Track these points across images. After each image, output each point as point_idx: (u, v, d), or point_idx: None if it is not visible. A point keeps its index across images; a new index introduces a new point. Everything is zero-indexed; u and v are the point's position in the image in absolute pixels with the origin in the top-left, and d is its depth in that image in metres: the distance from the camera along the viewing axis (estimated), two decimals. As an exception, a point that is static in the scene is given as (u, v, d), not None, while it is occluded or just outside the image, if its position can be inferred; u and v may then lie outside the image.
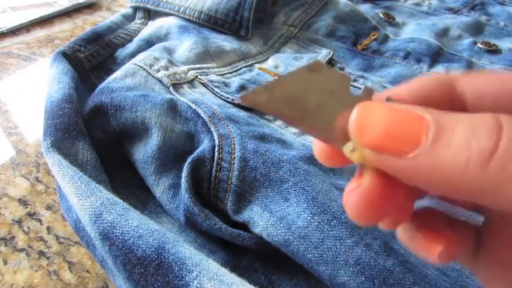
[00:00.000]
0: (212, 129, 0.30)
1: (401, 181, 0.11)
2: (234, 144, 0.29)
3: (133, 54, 0.42)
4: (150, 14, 0.50)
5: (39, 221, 0.33)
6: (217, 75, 0.41)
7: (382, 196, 0.12)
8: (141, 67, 0.36)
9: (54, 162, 0.26)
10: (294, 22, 0.52)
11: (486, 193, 0.10)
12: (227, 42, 0.45)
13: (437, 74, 0.14)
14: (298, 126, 0.12)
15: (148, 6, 0.48)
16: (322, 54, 0.48)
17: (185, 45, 0.42)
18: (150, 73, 0.36)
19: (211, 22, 0.46)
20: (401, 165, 0.11)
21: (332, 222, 0.24)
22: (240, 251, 0.27)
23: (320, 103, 0.12)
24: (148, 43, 0.44)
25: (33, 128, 0.42)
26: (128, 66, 0.36)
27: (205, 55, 0.42)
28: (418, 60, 0.46)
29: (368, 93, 0.13)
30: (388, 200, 0.12)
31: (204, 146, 0.29)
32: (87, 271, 0.29)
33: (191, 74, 0.39)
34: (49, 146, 0.27)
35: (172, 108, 0.32)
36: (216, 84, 0.39)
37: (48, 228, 0.32)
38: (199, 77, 0.39)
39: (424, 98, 0.13)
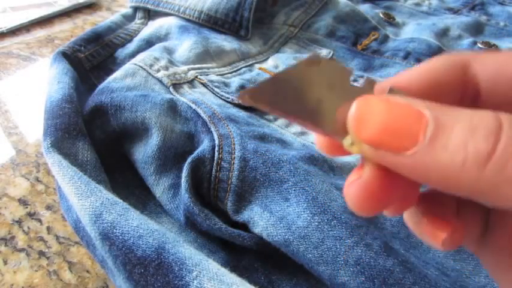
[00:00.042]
0: (212, 129, 0.30)
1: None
2: (234, 144, 0.29)
3: (133, 54, 0.42)
4: (150, 14, 0.50)
5: (39, 221, 0.33)
6: (217, 75, 0.41)
7: (383, 188, 0.12)
8: (141, 67, 0.36)
9: (54, 162, 0.26)
10: (294, 22, 0.52)
11: (483, 193, 0.10)
12: (227, 42, 0.45)
13: (450, 53, 0.14)
14: (298, 122, 0.12)
15: (148, 6, 0.48)
16: (322, 54, 0.48)
17: (185, 45, 0.42)
18: (150, 73, 0.36)
19: (211, 22, 0.46)
20: (399, 162, 0.11)
21: (332, 222, 0.24)
22: (240, 251, 0.27)
23: (319, 97, 0.12)
24: (148, 43, 0.44)
25: (33, 128, 0.42)
26: (127, 66, 0.36)
27: (205, 55, 0.42)
28: (418, 60, 0.46)
29: (370, 85, 0.13)
30: (389, 192, 0.12)
31: (204, 146, 0.29)
32: (87, 271, 0.29)
33: (191, 74, 0.39)
34: (49, 146, 0.27)
35: (172, 108, 0.32)
36: (216, 84, 0.39)
37: (48, 228, 0.32)
38: (199, 77, 0.39)
39: (433, 84, 0.13)
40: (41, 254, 0.30)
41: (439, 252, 0.25)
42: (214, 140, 0.29)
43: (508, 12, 0.57)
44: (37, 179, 0.36)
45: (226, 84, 0.39)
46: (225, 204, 0.27)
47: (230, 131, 0.30)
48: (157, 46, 0.41)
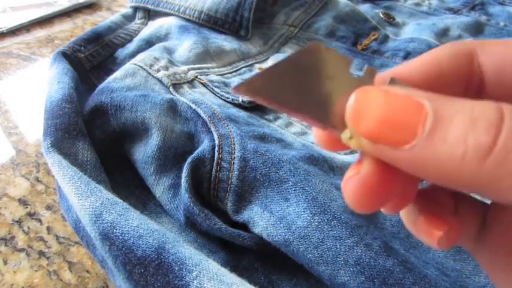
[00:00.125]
0: (212, 129, 0.30)
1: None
2: (234, 144, 0.29)
3: (133, 54, 0.42)
4: (150, 14, 0.50)
5: (39, 221, 0.33)
6: (217, 75, 0.41)
7: (381, 183, 0.11)
8: (141, 67, 0.36)
9: (54, 162, 0.26)
10: (294, 22, 0.52)
11: (483, 187, 0.10)
12: (227, 42, 0.45)
13: (455, 42, 0.14)
14: (295, 115, 0.12)
15: (148, 6, 0.48)
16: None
17: (185, 45, 0.42)
18: (150, 73, 0.36)
19: (211, 22, 0.46)
20: (397, 156, 0.10)
21: (332, 222, 0.24)
22: (240, 251, 0.27)
23: (318, 88, 0.12)
24: (148, 43, 0.44)
25: (33, 128, 0.42)
26: (127, 66, 0.36)
27: (205, 55, 0.42)
28: (418, 60, 0.46)
29: (370, 75, 0.12)
30: (388, 187, 0.12)
31: (204, 146, 0.29)
32: (87, 271, 0.29)
33: (191, 74, 0.39)
34: (49, 146, 0.27)
35: (172, 108, 0.32)
36: (216, 84, 0.39)
37: (48, 228, 0.32)
38: (199, 77, 0.39)
39: (437, 74, 0.13)
40: (41, 254, 0.30)
41: (439, 252, 0.25)
42: (214, 140, 0.29)
43: (508, 12, 0.57)
44: (37, 179, 0.36)
45: (226, 84, 0.39)
46: (225, 204, 0.27)
47: (230, 131, 0.30)
48: (157, 46, 0.41)
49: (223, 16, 0.46)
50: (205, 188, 0.28)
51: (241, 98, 0.36)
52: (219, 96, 0.37)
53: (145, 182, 0.30)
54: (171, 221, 0.29)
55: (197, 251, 0.22)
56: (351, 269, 0.22)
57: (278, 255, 0.25)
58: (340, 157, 0.33)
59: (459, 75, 0.13)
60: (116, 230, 0.22)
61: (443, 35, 0.52)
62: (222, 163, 0.28)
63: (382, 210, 0.13)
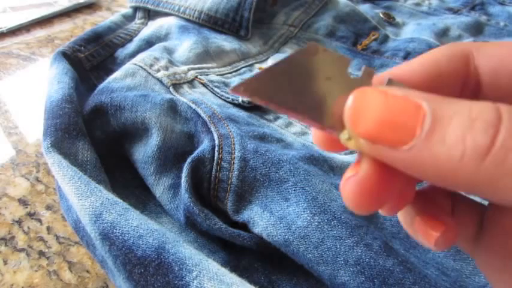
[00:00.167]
0: (212, 129, 0.30)
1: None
2: (234, 144, 0.29)
3: (133, 54, 0.42)
4: (150, 14, 0.50)
5: (39, 221, 0.33)
6: (217, 75, 0.41)
7: (380, 184, 0.11)
8: (141, 67, 0.36)
9: (54, 162, 0.26)
10: (294, 22, 0.52)
11: (481, 188, 0.10)
12: (227, 42, 0.45)
13: (453, 43, 0.14)
14: (294, 115, 0.12)
15: (148, 6, 0.48)
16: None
17: (185, 45, 0.42)
18: (150, 73, 0.36)
19: (211, 22, 0.46)
20: (396, 157, 0.10)
21: (332, 222, 0.24)
22: (240, 251, 0.27)
23: (317, 89, 0.12)
24: (148, 43, 0.44)
25: (33, 128, 0.42)
26: (127, 66, 0.36)
27: (205, 55, 0.42)
28: (418, 60, 0.46)
29: (368, 75, 0.12)
30: (386, 188, 0.12)
31: (204, 146, 0.29)
32: (87, 271, 0.29)
33: (191, 74, 0.39)
34: (49, 146, 0.27)
35: (172, 108, 0.32)
36: (216, 84, 0.39)
37: (48, 228, 0.32)
38: (199, 77, 0.39)
39: (434, 75, 0.13)
40: (41, 254, 0.30)
41: (439, 252, 0.25)
42: (214, 140, 0.29)
43: (508, 12, 0.57)
44: (37, 179, 0.36)
45: (226, 84, 0.39)
46: (225, 204, 0.27)
47: (230, 131, 0.30)
48: (157, 46, 0.41)
49: (223, 16, 0.46)
50: (205, 188, 0.28)
51: (241, 98, 0.36)
52: (219, 96, 0.37)
53: (145, 182, 0.30)
54: (171, 221, 0.29)
55: (197, 251, 0.22)
56: (351, 269, 0.22)
57: (278, 255, 0.25)
58: (340, 157, 0.33)
59: (456, 76, 0.13)
60: (116, 230, 0.22)
61: (443, 35, 0.52)
62: (222, 163, 0.28)
63: (380, 211, 0.13)
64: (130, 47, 0.44)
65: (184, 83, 0.37)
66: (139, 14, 0.49)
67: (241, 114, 0.35)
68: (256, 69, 0.44)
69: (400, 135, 0.10)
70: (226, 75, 0.41)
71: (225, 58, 0.43)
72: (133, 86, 0.34)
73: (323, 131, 0.12)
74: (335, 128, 0.12)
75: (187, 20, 0.46)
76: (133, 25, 0.48)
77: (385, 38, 0.51)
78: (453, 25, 0.54)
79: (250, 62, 0.45)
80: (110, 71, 0.38)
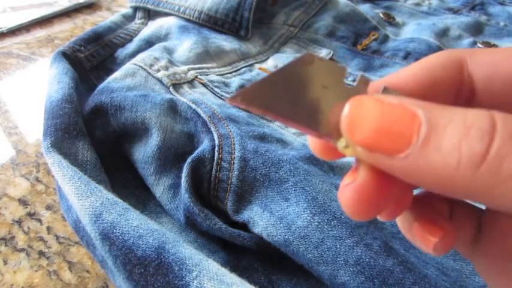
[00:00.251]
0: (212, 129, 0.30)
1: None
2: (234, 144, 0.29)
3: (133, 54, 0.42)
4: (150, 14, 0.50)
5: (39, 221, 0.33)
6: (217, 75, 0.41)
7: (378, 191, 0.12)
8: (141, 67, 0.36)
9: (54, 162, 0.26)
10: (294, 22, 0.52)
11: (477, 194, 0.10)
12: (227, 42, 0.45)
13: (447, 50, 0.14)
14: (291, 124, 0.12)
15: (148, 6, 0.48)
16: (322, 54, 0.48)
17: (185, 45, 0.42)
18: (150, 73, 0.36)
19: (211, 22, 0.46)
20: (393, 165, 0.11)
21: (332, 222, 0.24)
22: (240, 251, 0.27)
23: (313, 98, 0.12)
24: (148, 43, 0.44)
25: (33, 128, 0.42)
26: (127, 66, 0.36)
27: (205, 55, 0.42)
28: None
29: (364, 84, 0.13)
30: (384, 195, 0.12)
31: (204, 146, 0.29)
32: (87, 271, 0.29)
33: (191, 74, 0.39)
34: (49, 146, 0.27)
35: (172, 108, 0.32)
36: (216, 84, 0.39)
37: (48, 228, 0.32)
38: (199, 77, 0.39)
39: (429, 82, 0.13)
40: (41, 254, 0.30)
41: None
42: (214, 140, 0.29)
43: (508, 12, 0.57)
44: (37, 179, 0.36)
45: (226, 84, 0.39)
46: (225, 204, 0.27)
47: (230, 131, 0.30)
48: (157, 46, 0.41)
49: (223, 16, 0.46)
50: (205, 188, 0.28)
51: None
52: (219, 96, 0.37)
53: (145, 182, 0.30)
54: (171, 221, 0.29)
55: (197, 251, 0.22)
56: (351, 269, 0.22)
57: (278, 255, 0.25)
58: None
59: (451, 84, 0.13)
60: (116, 230, 0.22)
61: (443, 35, 0.52)
62: (222, 163, 0.28)
63: (379, 217, 0.13)
64: (130, 47, 0.44)
65: (184, 83, 0.37)
66: (139, 14, 0.49)
67: (241, 114, 0.35)
68: (256, 69, 0.44)
69: (397, 143, 0.10)
70: (226, 75, 0.41)
71: (225, 58, 0.43)
72: (133, 86, 0.34)
73: (320, 139, 0.13)
74: (332, 136, 0.12)
75: (187, 20, 0.46)
76: (133, 25, 0.48)
77: (385, 38, 0.51)
78: (453, 25, 0.54)
79: (250, 62, 0.45)
80: (110, 71, 0.38)
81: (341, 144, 0.12)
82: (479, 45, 0.50)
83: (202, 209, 0.26)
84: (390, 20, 0.56)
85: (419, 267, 0.23)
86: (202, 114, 0.31)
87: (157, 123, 0.30)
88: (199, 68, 0.40)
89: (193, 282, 0.20)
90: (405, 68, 0.13)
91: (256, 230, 0.26)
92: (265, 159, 0.27)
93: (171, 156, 0.30)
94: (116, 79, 0.34)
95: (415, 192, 0.14)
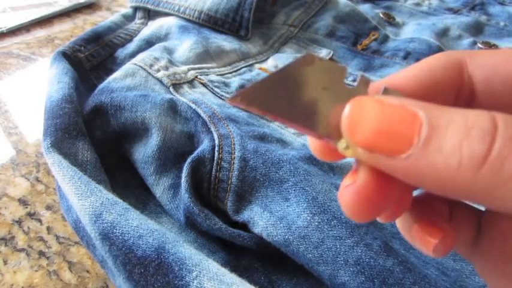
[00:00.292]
0: (212, 129, 0.30)
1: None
2: (234, 144, 0.29)
3: (133, 54, 0.42)
4: (150, 14, 0.50)
5: (39, 221, 0.33)
6: (217, 75, 0.41)
7: (378, 192, 0.12)
8: (141, 67, 0.36)
9: (54, 162, 0.26)
10: (294, 22, 0.52)
11: (478, 195, 0.10)
12: (227, 42, 0.45)
13: (447, 52, 0.14)
14: (291, 125, 0.12)
15: (148, 6, 0.48)
16: (322, 54, 0.48)
17: (185, 45, 0.42)
18: (150, 73, 0.36)
19: (211, 22, 0.46)
20: (393, 165, 0.11)
21: (332, 222, 0.24)
22: (240, 251, 0.27)
23: (313, 99, 0.12)
24: (148, 43, 0.44)
25: (33, 128, 0.42)
26: (127, 66, 0.36)
27: (205, 55, 0.42)
28: (418, 61, 0.46)
29: (364, 84, 0.13)
30: (384, 196, 0.12)
31: (204, 146, 0.29)
32: (87, 271, 0.29)
33: (191, 74, 0.39)
34: (49, 146, 0.27)
35: (172, 108, 0.32)
36: (216, 84, 0.39)
37: (48, 228, 0.32)
38: (199, 77, 0.39)
39: (429, 83, 0.13)
40: (41, 254, 0.30)
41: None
42: (214, 140, 0.29)
43: (508, 12, 0.57)
44: (37, 179, 0.36)
45: (226, 84, 0.39)
46: (225, 204, 0.27)
47: (230, 131, 0.30)
48: (157, 46, 0.41)
49: (223, 16, 0.46)
50: (205, 188, 0.28)
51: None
52: (219, 96, 0.37)
53: (145, 182, 0.30)
54: (171, 221, 0.29)
55: (197, 251, 0.22)
56: (351, 269, 0.22)
57: (278, 255, 0.25)
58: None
59: (451, 85, 0.13)
60: (116, 230, 0.22)
61: (443, 35, 0.52)
62: (222, 163, 0.28)
63: (378, 219, 0.13)
64: (130, 47, 0.44)
65: (184, 83, 0.37)
66: (139, 14, 0.49)
67: (241, 114, 0.35)
68: (256, 69, 0.44)
69: (398, 144, 0.10)
70: (226, 75, 0.41)
71: (225, 58, 0.43)
72: (134, 86, 0.34)
73: (320, 139, 0.13)
74: (332, 137, 0.12)
75: (187, 20, 0.46)
76: (133, 25, 0.48)
77: (385, 38, 0.51)
78: (453, 25, 0.54)
79: (250, 62, 0.45)
80: (110, 71, 0.38)
81: (341, 145, 0.12)
82: (479, 45, 0.50)
83: (202, 209, 0.26)
84: (390, 20, 0.56)
85: (419, 267, 0.23)
86: (202, 114, 0.31)
87: (157, 123, 0.30)
88: (199, 68, 0.40)
89: (193, 282, 0.20)
90: (405, 68, 0.13)
91: (256, 230, 0.26)
92: (265, 159, 0.27)
93: (171, 156, 0.30)
94: (116, 79, 0.34)
95: (415, 193, 0.14)
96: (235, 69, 0.43)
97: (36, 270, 0.29)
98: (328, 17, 0.52)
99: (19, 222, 0.33)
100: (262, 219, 0.25)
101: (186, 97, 0.34)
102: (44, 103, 0.31)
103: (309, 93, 0.12)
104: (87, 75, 0.41)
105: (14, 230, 0.32)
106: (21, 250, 0.30)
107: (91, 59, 0.41)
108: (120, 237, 0.22)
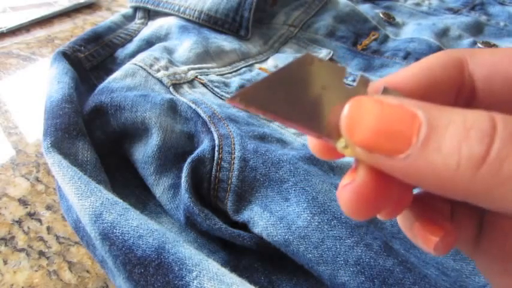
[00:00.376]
0: (212, 129, 0.30)
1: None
2: (234, 144, 0.29)
3: (133, 54, 0.42)
4: (150, 14, 0.50)
5: (39, 221, 0.33)
6: (217, 75, 0.41)
7: (377, 191, 0.12)
8: (141, 67, 0.36)
9: (54, 162, 0.26)
10: (294, 22, 0.52)
11: (477, 196, 0.10)
12: (227, 42, 0.45)
13: (447, 50, 0.14)
14: (290, 125, 0.12)
15: (148, 6, 0.48)
16: (322, 54, 0.48)
17: (185, 45, 0.42)
18: (150, 73, 0.36)
19: (211, 22, 0.46)
20: (392, 165, 0.11)
21: (332, 222, 0.24)
22: (240, 251, 0.27)
23: (313, 99, 0.12)
24: (148, 43, 0.44)
25: (33, 128, 0.42)
26: (127, 66, 0.36)
27: (205, 55, 0.42)
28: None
29: (364, 84, 0.13)
30: (383, 195, 0.12)
31: (204, 146, 0.29)
32: (87, 271, 0.29)
33: (191, 74, 0.39)
34: (49, 146, 0.27)
35: (172, 108, 0.32)
36: (216, 84, 0.39)
37: (48, 228, 0.32)
38: (199, 77, 0.39)
39: (429, 82, 0.13)
40: (41, 254, 0.30)
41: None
42: (214, 140, 0.29)
43: (508, 12, 0.57)
44: (37, 179, 0.36)
45: (226, 84, 0.39)
46: (225, 204, 0.27)
47: (230, 131, 0.30)
48: (157, 46, 0.41)
49: (223, 16, 0.46)
50: (205, 188, 0.28)
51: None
52: (219, 96, 0.37)
53: (145, 182, 0.30)
54: (171, 221, 0.29)
55: (197, 251, 0.22)
56: (351, 269, 0.22)
57: (278, 255, 0.25)
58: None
59: (451, 84, 0.13)
60: (116, 230, 0.22)
61: (443, 35, 0.52)
62: (222, 163, 0.28)
63: (378, 216, 0.13)
64: (130, 47, 0.44)
65: (184, 83, 0.37)
66: (139, 14, 0.49)
67: (241, 114, 0.35)
68: (256, 69, 0.44)
69: (396, 144, 0.10)
70: (226, 75, 0.41)
71: (225, 58, 0.43)
72: (134, 86, 0.34)
73: (319, 139, 0.13)
74: (331, 137, 0.12)
75: (187, 20, 0.46)
76: (133, 25, 0.48)
77: (385, 38, 0.51)
78: (453, 25, 0.54)
79: (250, 62, 0.45)
80: (110, 71, 0.38)
81: (340, 144, 0.12)
82: (479, 45, 0.50)
83: (202, 209, 0.26)
84: (390, 20, 0.56)
85: (419, 267, 0.23)
86: (202, 114, 0.31)
87: (157, 123, 0.30)
88: (199, 68, 0.40)
89: (193, 282, 0.20)
90: (405, 68, 0.13)
91: (256, 230, 0.26)
92: (265, 159, 0.27)
93: (171, 156, 0.30)
94: (115, 79, 0.34)
95: (416, 191, 0.14)
96: (235, 69, 0.43)
97: (36, 270, 0.29)
98: (328, 17, 0.52)
99: (19, 222, 0.33)
100: (262, 219, 0.25)
101: (186, 97, 0.34)
102: (44, 103, 0.31)
103: (308, 93, 0.12)
104: (87, 75, 0.41)
105: (14, 230, 0.32)
106: (21, 250, 0.30)
107: (91, 59, 0.41)
108: (120, 237, 0.22)
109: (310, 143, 0.14)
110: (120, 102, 0.31)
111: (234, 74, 0.42)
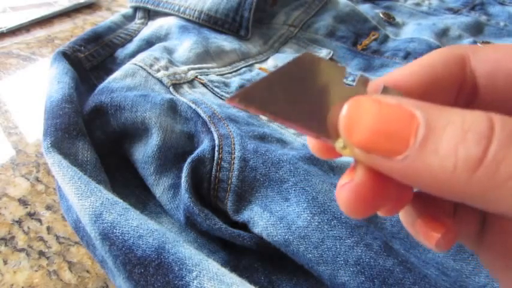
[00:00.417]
0: (212, 129, 0.30)
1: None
2: (234, 144, 0.29)
3: (133, 54, 0.42)
4: (150, 14, 0.50)
5: (39, 221, 0.33)
6: (217, 75, 0.41)
7: (375, 190, 0.12)
8: (141, 67, 0.36)
9: (54, 162, 0.26)
10: (294, 22, 0.52)
11: (474, 198, 0.10)
12: (227, 42, 0.45)
13: (449, 47, 0.14)
14: (289, 125, 0.12)
15: (148, 6, 0.48)
16: (322, 54, 0.48)
17: (185, 45, 0.42)
18: (150, 73, 0.36)
19: (211, 22, 0.46)
20: (390, 166, 0.11)
21: (332, 222, 0.24)
22: (240, 251, 0.27)
23: (311, 98, 0.12)
24: (148, 43, 0.44)
25: (33, 128, 0.42)
26: (127, 66, 0.36)
27: (205, 55, 0.42)
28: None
29: (363, 84, 0.13)
30: (381, 194, 0.12)
31: (204, 146, 0.29)
32: (87, 271, 0.29)
33: (191, 74, 0.39)
34: (49, 146, 0.27)
35: (172, 108, 0.32)
36: (216, 84, 0.39)
37: (48, 228, 0.32)
38: (199, 77, 0.39)
39: (431, 79, 0.13)
40: (41, 254, 0.30)
41: (439, 252, 0.25)
42: (214, 140, 0.29)
43: (508, 12, 0.57)
44: (37, 179, 0.36)
45: (226, 84, 0.39)
46: (225, 204, 0.27)
47: (230, 131, 0.30)
48: (157, 46, 0.41)
49: (223, 16, 0.46)
50: (205, 188, 0.28)
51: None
52: (219, 96, 0.37)
53: (145, 182, 0.30)
54: (171, 221, 0.29)
55: (197, 251, 0.22)
56: (351, 269, 0.22)
57: (278, 255, 0.25)
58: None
59: (453, 81, 0.13)
60: (116, 230, 0.22)
61: (443, 35, 0.52)
62: (222, 163, 0.28)
63: (379, 213, 0.13)
64: (130, 47, 0.44)
65: (184, 83, 0.37)
66: (139, 14, 0.49)
67: (241, 114, 0.35)
68: (256, 69, 0.44)
69: (394, 145, 0.10)
70: (226, 75, 0.41)
71: (225, 58, 0.43)
72: (133, 86, 0.34)
73: (318, 139, 0.13)
74: (330, 137, 0.12)
75: (187, 20, 0.46)
76: (133, 25, 0.48)
77: (385, 38, 0.51)
78: (453, 25, 0.54)
79: (250, 62, 0.45)
80: (110, 71, 0.38)
81: (339, 144, 0.12)
82: (479, 45, 0.50)
83: (202, 209, 0.26)
84: (390, 20, 0.56)
85: (419, 267, 0.23)
86: (202, 114, 0.31)
87: (157, 123, 0.30)
88: (199, 68, 0.40)
89: (193, 282, 0.20)
90: (406, 65, 0.13)
91: (256, 230, 0.26)
92: (265, 159, 0.27)
93: (171, 156, 0.30)
94: (115, 79, 0.34)
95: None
96: (235, 69, 0.43)
97: (36, 270, 0.29)
98: (328, 17, 0.52)
99: (19, 222, 0.33)
100: (262, 219, 0.25)
101: (186, 97, 0.34)
102: (44, 103, 0.31)
103: (307, 92, 0.12)
104: (87, 75, 0.41)
105: (14, 230, 0.32)
106: (21, 250, 0.30)
107: (91, 59, 0.41)
108: (120, 237, 0.22)
109: (310, 142, 0.14)
110: (120, 102, 0.31)
111: (234, 74, 0.42)
